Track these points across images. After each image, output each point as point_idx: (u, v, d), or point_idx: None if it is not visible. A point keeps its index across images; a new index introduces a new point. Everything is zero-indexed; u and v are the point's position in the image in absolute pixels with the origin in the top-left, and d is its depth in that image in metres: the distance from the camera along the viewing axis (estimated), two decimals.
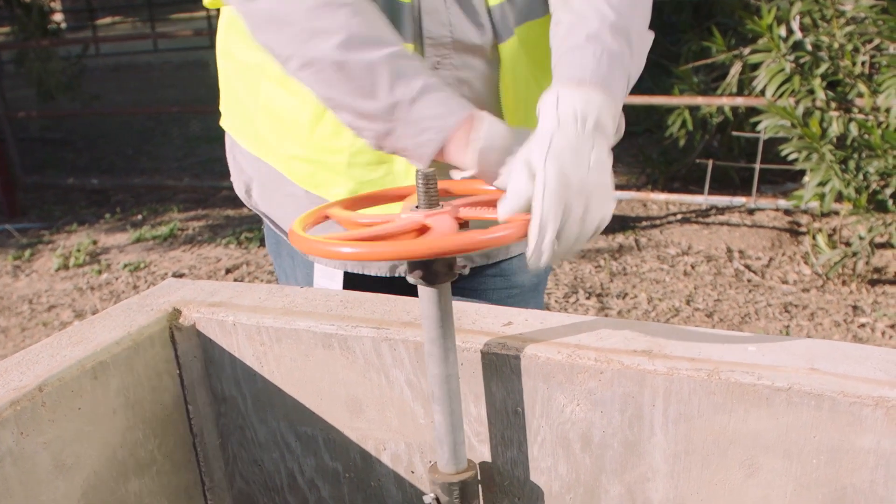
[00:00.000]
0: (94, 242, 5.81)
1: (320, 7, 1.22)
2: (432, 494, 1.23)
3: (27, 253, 5.70)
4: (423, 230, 1.13)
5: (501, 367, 1.21)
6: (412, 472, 1.35)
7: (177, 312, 1.41)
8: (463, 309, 1.32)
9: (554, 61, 1.27)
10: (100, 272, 5.25)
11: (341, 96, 1.25)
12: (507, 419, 1.24)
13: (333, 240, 1.09)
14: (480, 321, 1.28)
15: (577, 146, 1.08)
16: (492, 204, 1.23)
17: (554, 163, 1.05)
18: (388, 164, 1.46)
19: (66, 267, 5.39)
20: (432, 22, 1.37)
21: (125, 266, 5.29)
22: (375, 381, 1.30)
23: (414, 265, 1.12)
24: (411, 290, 1.41)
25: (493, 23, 1.40)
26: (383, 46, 1.21)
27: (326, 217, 1.26)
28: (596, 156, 1.09)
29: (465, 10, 1.38)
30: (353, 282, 1.60)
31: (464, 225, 1.15)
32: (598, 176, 1.08)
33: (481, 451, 1.28)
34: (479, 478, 1.26)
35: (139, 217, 6.36)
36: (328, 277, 1.62)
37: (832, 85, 4.32)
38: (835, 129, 4.17)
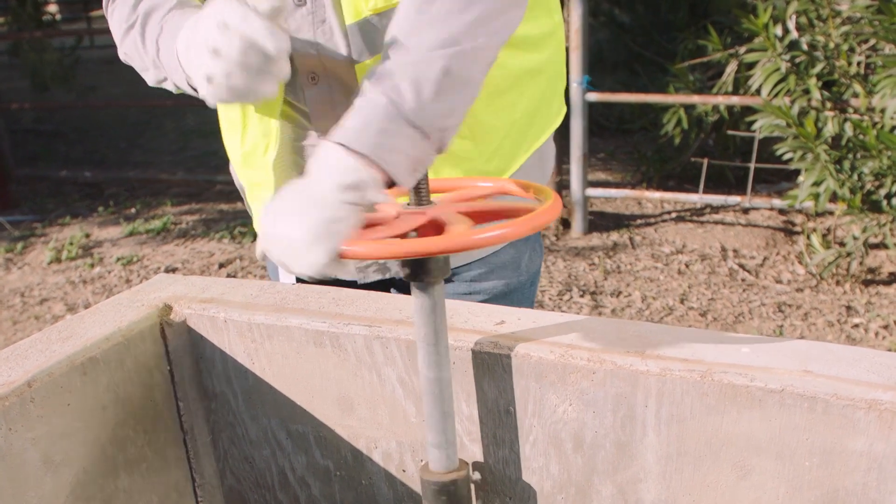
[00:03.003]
0: (87, 236, 5.80)
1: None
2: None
3: (19, 246, 5.68)
4: (431, 226, 1.11)
5: (493, 367, 1.20)
6: (403, 471, 1.34)
7: (168, 308, 1.41)
8: (455, 307, 1.32)
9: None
10: (92, 266, 5.23)
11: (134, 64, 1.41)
12: (499, 418, 1.23)
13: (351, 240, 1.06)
14: (473, 320, 1.27)
15: (287, 202, 1.09)
16: (478, 198, 1.22)
17: (267, 216, 1.10)
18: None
19: (58, 260, 5.37)
20: (298, 41, 1.36)
21: (118, 260, 5.28)
22: (367, 379, 1.30)
23: (408, 263, 1.11)
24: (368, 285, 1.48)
25: (349, 43, 1.36)
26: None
27: None
28: (297, 214, 1.06)
29: (327, 30, 1.36)
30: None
31: (477, 218, 1.13)
32: (290, 233, 1.06)
33: (473, 451, 1.28)
34: (470, 477, 1.26)
35: (132, 210, 6.35)
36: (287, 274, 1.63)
37: (828, 85, 4.32)
38: (830, 129, 4.18)
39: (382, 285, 1.63)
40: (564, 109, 1.69)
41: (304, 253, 1.04)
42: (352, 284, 1.61)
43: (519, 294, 1.67)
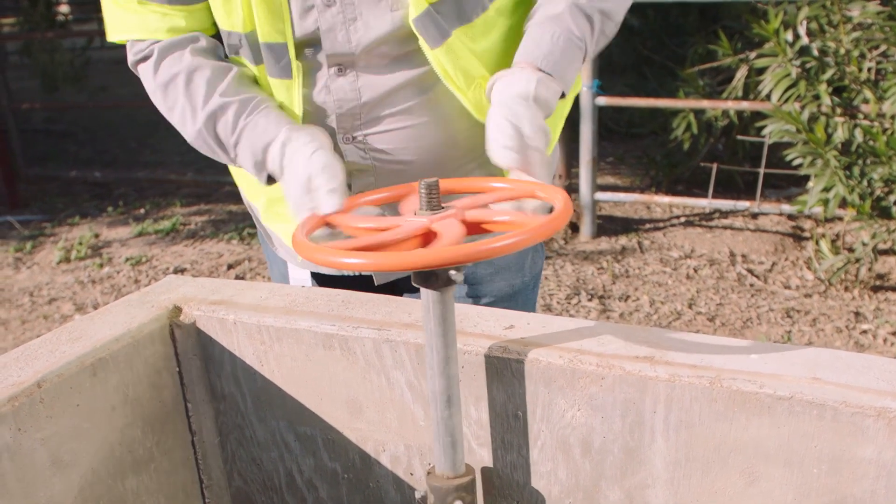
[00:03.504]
0: (96, 236, 5.81)
1: (162, 91, 1.51)
2: (423, 491, 1.23)
3: (29, 245, 5.69)
4: (429, 235, 1.12)
5: (502, 371, 1.20)
6: (411, 474, 1.34)
7: (177, 310, 1.41)
8: (464, 311, 1.32)
9: (525, 31, 1.47)
10: (101, 266, 5.25)
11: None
12: (508, 423, 1.23)
13: (340, 250, 1.07)
14: (482, 324, 1.27)
15: (523, 116, 1.33)
16: (495, 203, 1.23)
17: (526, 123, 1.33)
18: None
19: (67, 260, 5.39)
20: (332, 42, 1.42)
21: (127, 260, 5.29)
22: (376, 382, 1.30)
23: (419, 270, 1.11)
24: (381, 287, 1.59)
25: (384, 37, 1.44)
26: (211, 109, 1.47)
27: (327, 223, 1.26)
28: (538, 123, 1.33)
29: (359, 27, 1.42)
30: (322, 279, 1.66)
31: (473, 228, 1.14)
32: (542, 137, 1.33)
33: (481, 455, 1.28)
34: (477, 482, 1.26)
35: (142, 211, 6.36)
36: (300, 278, 1.67)
37: (838, 90, 4.31)
38: (840, 135, 4.17)
39: (392, 287, 1.64)
40: (568, 108, 1.71)
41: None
42: (365, 285, 1.61)
43: (523, 295, 1.68)
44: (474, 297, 1.63)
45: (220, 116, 1.45)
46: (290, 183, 1.37)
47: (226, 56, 1.51)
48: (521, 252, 1.63)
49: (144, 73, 1.51)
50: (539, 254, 1.71)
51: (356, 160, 1.48)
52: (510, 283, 1.65)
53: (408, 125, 1.47)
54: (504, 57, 1.49)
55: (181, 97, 1.47)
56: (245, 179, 1.64)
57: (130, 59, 1.53)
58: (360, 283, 1.63)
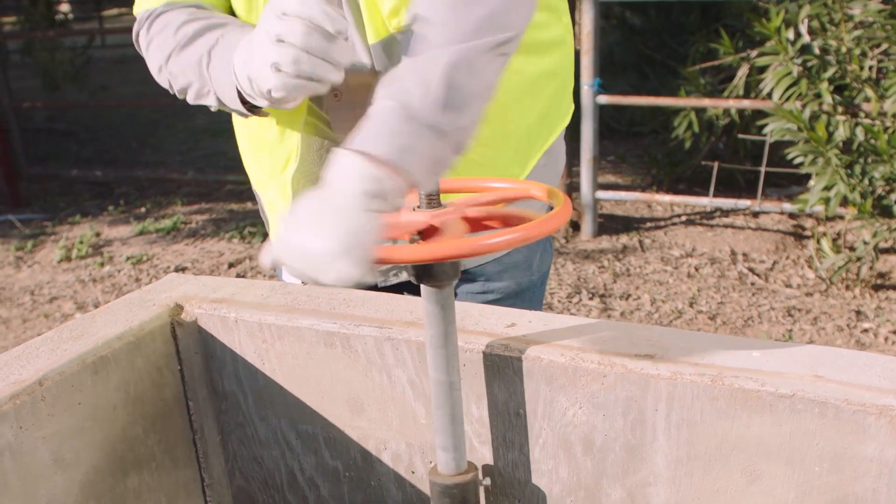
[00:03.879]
0: (97, 234, 5.81)
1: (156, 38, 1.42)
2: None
3: (30, 244, 5.70)
4: (430, 231, 1.12)
5: (504, 369, 1.20)
6: (413, 473, 1.34)
7: (178, 308, 1.41)
8: (466, 309, 1.32)
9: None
10: (102, 264, 5.25)
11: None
12: (509, 421, 1.23)
13: None
14: (483, 322, 1.27)
15: (307, 213, 1.04)
16: (495, 203, 1.23)
17: (287, 227, 1.04)
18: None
19: (68, 258, 5.39)
20: None
21: (128, 259, 5.29)
22: (377, 380, 1.30)
23: (419, 266, 1.11)
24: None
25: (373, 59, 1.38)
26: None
27: None
28: (319, 225, 1.02)
29: (354, 48, 1.36)
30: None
31: (474, 224, 1.14)
32: (314, 245, 1.01)
33: (482, 453, 1.28)
34: (479, 480, 1.26)
35: (142, 210, 6.36)
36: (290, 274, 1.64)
37: (839, 89, 4.30)
38: (841, 134, 4.16)
39: (395, 288, 1.64)
40: (572, 107, 1.70)
41: (332, 265, 0.99)
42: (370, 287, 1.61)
43: (529, 294, 1.68)
44: (482, 294, 1.63)
45: (204, 33, 1.37)
46: (256, 32, 1.22)
47: None
48: (529, 250, 1.64)
49: (143, 37, 1.47)
50: (547, 253, 1.71)
51: None
52: (518, 280, 1.65)
53: None
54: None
55: (167, 37, 1.40)
56: (255, 170, 1.61)
57: (134, 30, 1.48)
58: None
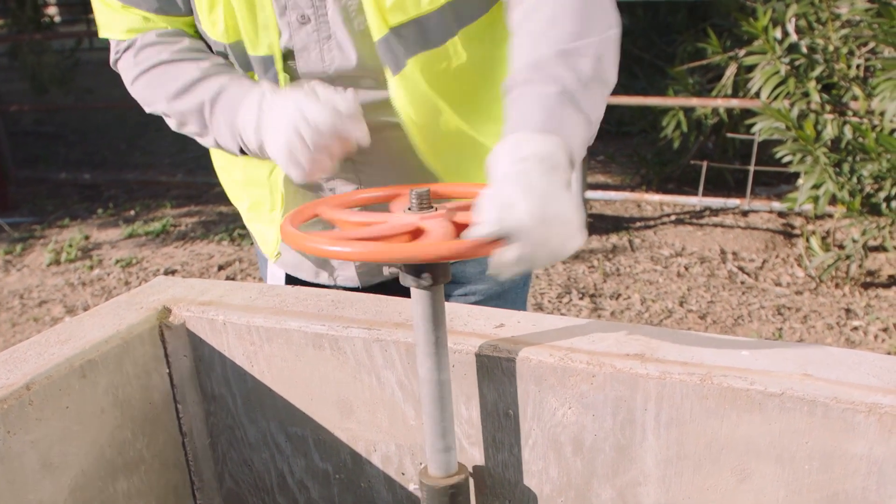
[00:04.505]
0: (86, 238, 5.79)
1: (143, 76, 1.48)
2: (417, 486, 1.23)
3: (18, 247, 5.67)
4: (418, 233, 1.12)
5: (493, 370, 1.20)
6: (402, 474, 1.34)
7: (166, 311, 1.40)
8: (455, 310, 1.31)
9: (509, 96, 1.25)
10: (91, 268, 5.23)
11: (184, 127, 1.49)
12: (499, 422, 1.23)
13: (328, 238, 1.08)
14: (472, 323, 1.27)
15: (543, 185, 1.07)
16: None
17: (530, 200, 1.04)
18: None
19: (57, 262, 5.37)
20: (305, 61, 1.40)
21: (117, 262, 5.27)
22: (366, 382, 1.30)
23: (410, 268, 1.11)
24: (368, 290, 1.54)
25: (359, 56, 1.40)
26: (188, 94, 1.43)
27: (316, 215, 1.26)
28: (561, 195, 1.08)
29: (333, 46, 1.39)
30: (291, 282, 1.66)
31: (462, 229, 1.14)
32: (568, 212, 1.06)
33: (472, 454, 1.28)
34: (470, 481, 1.26)
35: (132, 212, 6.34)
36: (275, 276, 1.67)
37: (827, 88, 4.31)
38: (829, 132, 4.17)
39: (381, 288, 1.64)
40: None
41: (576, 234, 1.06)
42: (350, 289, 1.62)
43: (513, 294, 1.68)
44: (464, 296, 1.63)
45: (198, 85, 1.42)
46: (276, 122, 1.30)
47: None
48: None
49: (124, 65, 1.51)
50: None
51: (343, 167, 1.47)
52: (499, 281, 1.65)
53: (394, 137, 1.45)
54: (470, 90, 1.46)
55: (162, 78, 1.46)
56: (228, 179, 1.63)
57: (112, 57, 1.53)
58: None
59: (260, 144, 1.34)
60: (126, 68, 1.51)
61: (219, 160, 1.66)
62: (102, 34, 1.52)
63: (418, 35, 1.36)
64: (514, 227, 1.02)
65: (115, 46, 1.52)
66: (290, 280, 1.68)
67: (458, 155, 1.47)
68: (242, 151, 1.41)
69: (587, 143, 1.23)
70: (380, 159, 1.48)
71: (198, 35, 1.50)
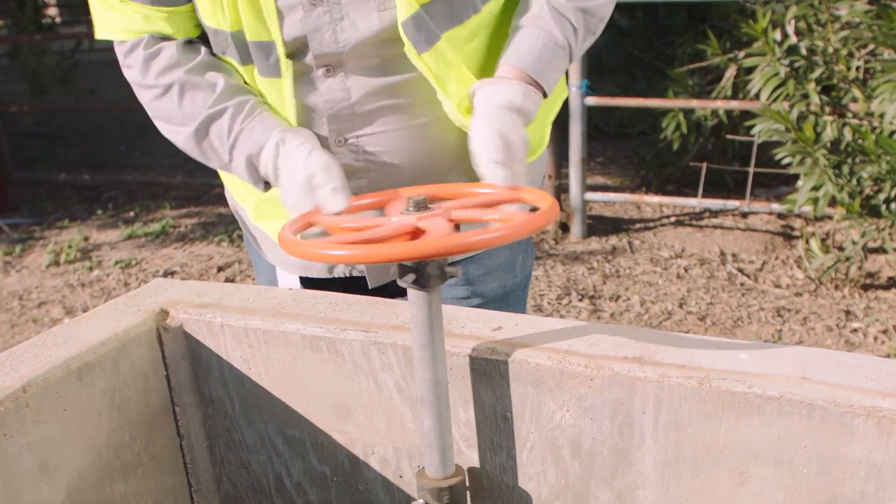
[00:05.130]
0: (86, 239, 5.79)
1: (154, 102, 1.50)
2: (421, 501, 1.22)
3: (18, 248, 5.67)
4: (416, 233, 1.12)
5: (491, 373, 1.20)
6: (400, 477, 1.34)
7: (164, 313, 1.40)
8: (452, 313, 1.31)
9: (519, 23, 1.46)
10: (91, 269, 5.23)
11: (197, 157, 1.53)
12: (497, 424, 1.23)
13: (329, 244, 1.08)
14: (470, 325, 1.27)
15: (509, 128, 1.33)
16: (482, 206, 1.23)
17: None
18: None
19: (56, 263, 5.37)
20: (318, 43, 1.41)
21: (116, 263, 5.27)
22: (364, 384, 1.29)
23: (406, 269, 1.11)
24: (363, 290, 1.58)
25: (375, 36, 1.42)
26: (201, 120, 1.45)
27: (312, 223, 1.26)
28: (522, 134, 1.35)
29: (346, 27, 1.41)
30: (310, 284, 1.65)
31: (457, 227, 1.14)
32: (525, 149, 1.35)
33: (470, 457, 1.27)
34: (467, 483, 1.25)
35: (131, 214, 6.34)
36: (289, 282, 1.66)
37: (826, 89, 4.31)
38: (829, 134, 4.17)
39: (384, 293, 1.63)
40: (564, 96, 1.70)
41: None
42: (356, 291, 1.61)
43: (514, 297, 1.68)
44: (466, 298, 1.62)
45: (216, 121, 1.44)
46: (287, 184, 1.36)
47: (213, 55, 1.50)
48: (512, 252, 1.63)
49: (133, 76, 1.51)
50: (529, 255, 1.71)
51: (349, 162, 1.47)
52: (502, 283, 1.65)
53: (400, 127, 1.46)
54: (490, 59, 1.49)
55: (175, 106, 1.47)
56: (233, 181, 1.63)
57: (120, 59, 1.52)
58: (352, 288, 1.63)
59: (273, 179, 1.42)
60: (136, 82, 1.51)
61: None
62: (100, 35, 1.51)
63: (445, 11, 1.39)
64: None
65: (118, 49, 1.51)
66: (304, 282, 1.67)
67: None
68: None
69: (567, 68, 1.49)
70: (384, 151, 1.48)
71: (197, 30, 1.49)
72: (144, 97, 1.51)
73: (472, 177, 1.53)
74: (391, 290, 1.62)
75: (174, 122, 1.48)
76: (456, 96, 1.44)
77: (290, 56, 1.42)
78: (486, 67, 1.48)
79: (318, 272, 1.63)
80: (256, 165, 1.42)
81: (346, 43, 1.40)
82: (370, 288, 1.61)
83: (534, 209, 1.18)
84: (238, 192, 1.65)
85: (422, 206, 1.15)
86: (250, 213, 1.64)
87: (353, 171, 1.48)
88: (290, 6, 1.38)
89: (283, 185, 1.37)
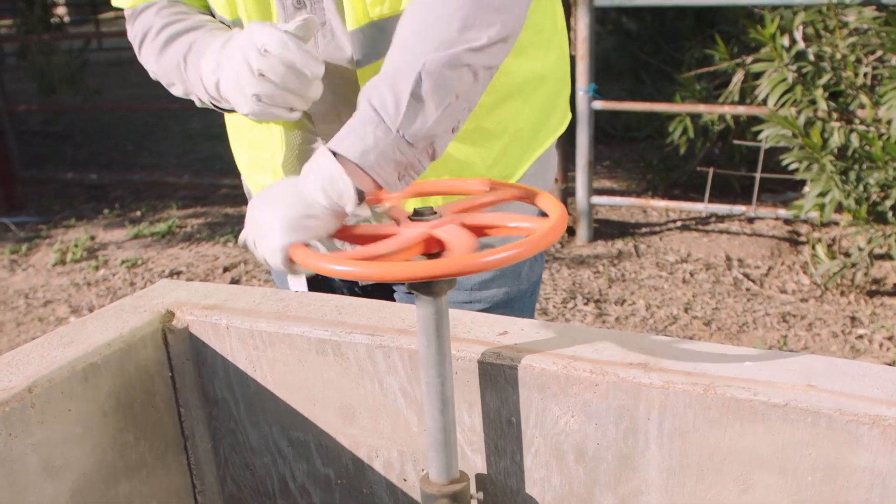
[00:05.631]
0: (92, 238, 5.80)
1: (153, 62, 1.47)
2: None
3: (24, 247, 5.68)
4: (431, 242, 1.10)
5: (496, 377, 1.20)
6: (404, 480, 1.34)
7: (170, 314, 1.40)
8: (458, 317, 1.31)
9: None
10: (97, 268, 5.24)
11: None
12: (501, 429, 1.23)
13: (349, 259, 1.06)
14: (475, 330, 1.27)
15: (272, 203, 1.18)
16: (483, 206, 1.22)
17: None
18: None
19: (63, 262, 5.38)
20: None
21: (122, 262, 5.28)
22: (369, 387, 1.30)
23: None
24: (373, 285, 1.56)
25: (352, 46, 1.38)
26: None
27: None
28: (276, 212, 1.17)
29: (327, 33, 1.39)
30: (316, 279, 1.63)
31: (475, 233, 1.12)
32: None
33: (474, 461, 1.27)
34: (472, 489, 1.25)
35: (138, 213, 6.35)
36: (297, 282, 1.65)
37: (834, 95, 4.30)
38: (836, 140, 4.16)
39: (385, 286, 1.63)
40: (569, 117, 1.69)
41: (271, 237, 1.14)
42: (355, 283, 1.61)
43: (520, 303, 1.66)
44: (468, 303, 1.62)
45: (174, 42, 1.43)
46: (231, 51, 1.29)
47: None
48: None
49: (131, 35, 1.52)
50: (538, 262, 1.69)
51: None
52: (506, 290, 1.64)
53: None
54: None
55: (149, 42, 1.47)
56: (238, 162, 1.63)
57: (127, 25, 1.54)
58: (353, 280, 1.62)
59: (216, 83, 1.33)
60: (130, 35, 1.52)
61: (231, 140, 1.67)
62: (116, 2, 1.53)
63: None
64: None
65: (127, 15, 1.53)
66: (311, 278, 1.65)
67: None
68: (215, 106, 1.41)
69: (427, 159, 1.22)
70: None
71: (206, 7, 1.50)
72: (136, 48, 1.52)
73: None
74: (392, 285, 1.62)
75: (148, 59, 1.49)
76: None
77: None
78: None
79: None
80: (200, 66, 1.37)
81: (325, 50, 1.39)
82: (368, 282, 1.61)
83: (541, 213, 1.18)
84: (248, 163, 1.62)
85: (427, 212, 1.15)
86: (245, 172, 1.63)
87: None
88: (283, 6, 1.38)
89: (223, 61, 1.31)
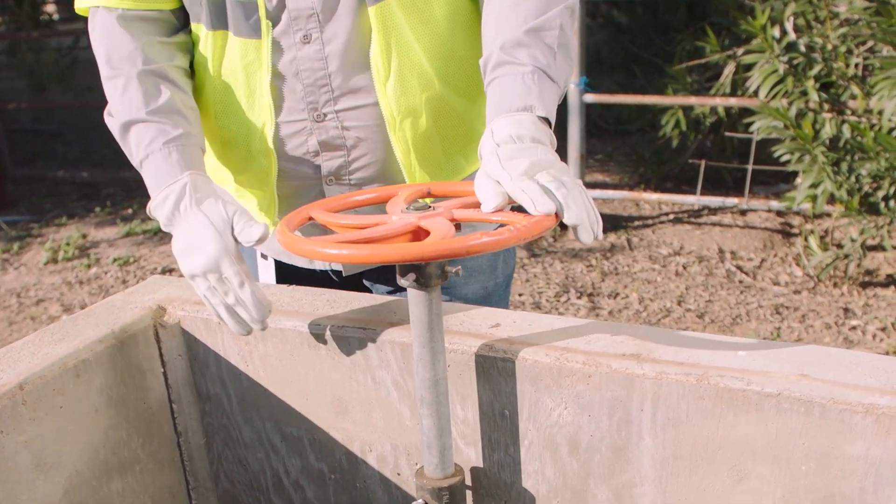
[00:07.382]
0: (84, 236, 5.78)
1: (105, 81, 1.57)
2: (421, 501, 1.22)
3: (16, 246, 5.67)
4: (418, 232, 1.11)
5: (489, 370, 1.20)
6: (398, 474, 1.33)
7: (161, 310, 1.40)
8: (451, 310, 1.31)
9: (486, 78, 1.34)
10: (89, 266, 5.22)
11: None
12: (495, 422, 1.23)
13: (331, 242, 1.07)
14: (468, 323, 1.27)
15: (521, 152, 1.17)
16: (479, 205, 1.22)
17: (513, 165, 1.15)
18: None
19: (54, 260, 5.36)
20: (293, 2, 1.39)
21: (114, 260, 5.27)
22: (362, 381, 1.29)
23: (406, 269, 1.11)
24: (336, 283, 1.58)
25: None
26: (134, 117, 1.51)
27: (310, 218, 1.25)
28: (542, 155, 1.18)
29: None
30: (283, 271, 1.65)
31: (458, 227, 1.14)
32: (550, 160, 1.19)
33: (468, 454, 1.27)
34: (466, 482, 1.25)
35: (129, 211, 6.33)
36: (266, 270, 1.65)
37: (825, 86, 4.31)
38: (827, 131, 4.17)
39: (358, 282, 1.63)
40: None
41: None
42: (327, 280, 1.61)
43: (496, 297, 1.67)
44: (446, 301, 1.61)
45: (137, 126, 1.49)
46: (193, 231, 1.33)
47: (185, 71, 1.51)
48: (494, 254, 1.63)
49: (96, 48, 1.58)
50: (510, 255, 1.70)
51: (328, 139, 1.45)
52: (483, 285, 1.64)
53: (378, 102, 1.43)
54: (446, 42, 1.44)
55: (117, 94, 1.56)
56: (211, 168, 1.62)
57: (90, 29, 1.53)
58: (323, 277, 1.62)
59: (167, 226, 1.40)
60: (95, 41, 1.58)
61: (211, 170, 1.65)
62: (79, 4, 1.56)
63: None
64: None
65: (93, 18, 1.55)
66: (281, 268, 1.65)
67: (419, 95, 1.44)
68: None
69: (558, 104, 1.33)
70: (362, 126, 1.46)
71: (176, 2, 1.47)
72: (103, 76, 1.60)
73: (447, 148, 1.50)
74: (369, 275, 1.62)
75: (112, 109, 1.55)
76: (397, 73, 1.41)
77: (269, 19, 1.39)
78: (441, 53, 1.44)
79: (300, 260, 1.62)
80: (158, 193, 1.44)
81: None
82: (344, 276, 1.60)
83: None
84: (217, 176, 1.63)
85: (423, 204, 1.15)
86: (234, 194, 1.63)
87: (332, 147, 1.46)
88: None
89: (184, 232, 1.34)
